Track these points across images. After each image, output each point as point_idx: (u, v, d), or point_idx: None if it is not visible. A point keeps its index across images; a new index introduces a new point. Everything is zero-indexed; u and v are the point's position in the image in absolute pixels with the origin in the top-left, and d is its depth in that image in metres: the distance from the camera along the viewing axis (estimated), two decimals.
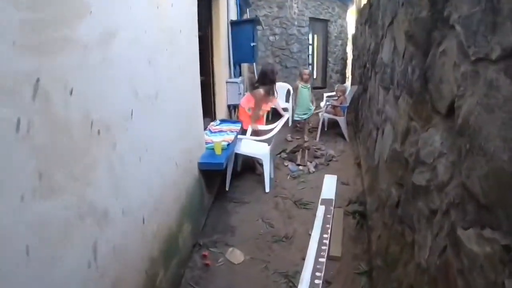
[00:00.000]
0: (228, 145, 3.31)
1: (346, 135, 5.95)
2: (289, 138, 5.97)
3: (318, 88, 8.12)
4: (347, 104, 5.89)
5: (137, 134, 1.79)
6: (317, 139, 5.93)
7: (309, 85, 5.86)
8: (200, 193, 3.06)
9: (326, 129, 6.40)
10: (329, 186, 3.55)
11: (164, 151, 2.21)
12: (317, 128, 6.27)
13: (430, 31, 1.38)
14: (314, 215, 2.70)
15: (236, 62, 4.86)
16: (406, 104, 1.73)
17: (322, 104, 6.96)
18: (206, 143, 3.32)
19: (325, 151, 5.31)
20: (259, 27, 6.22)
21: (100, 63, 1.48)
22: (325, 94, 7.41)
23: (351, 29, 8.82)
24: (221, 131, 3.82)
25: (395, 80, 2.13)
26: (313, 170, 4.58)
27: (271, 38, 7.28)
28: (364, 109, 4.73)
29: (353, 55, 7.83)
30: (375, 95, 3.31)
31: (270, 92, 4.29)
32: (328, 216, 2.79)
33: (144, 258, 1.96)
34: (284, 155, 5.09)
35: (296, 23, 7.40)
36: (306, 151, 5.07)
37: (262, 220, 3.33)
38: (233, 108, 4.71)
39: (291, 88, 7.07)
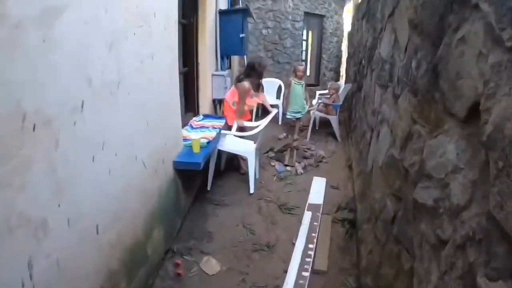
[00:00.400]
0: (208, 142, 3.04)
1: (338, 135, 5.72)
2: (280, 137, 5.72)
3: (311, 86, 7.88)
4: (340, 103, 5.65)
5: (90, 129, 1.51)
6: (308, 138, 5.68)
7: (303, 82, 5.56)
8: (175, 195, 2.79)
9: (317, 128, 6.16)
10: (317, 189, 3.35)
11: (128, 149, 1.92)
12: (307, 126, 6.03)
13: (443, 15, 1.13)
14: (300, 222, 2.46)
15: (224, 54, 4.56)
16: (408, 104, 1.48)
17: (314, 102, 6.72)
18: (186, 139, 3.04)
19: (315, 151, 5.07)
20: (250, 19, 5.93)
21: (40, 45, 1.21)
22: (318, 92, 7.16)
23: (347, 27, 8.58)
24: (203, 127, 3.54)
25: (394, 77, 1.88)
26: (301, 171, 4.33)
27: (263, 31, 7.00)
28: (358, 109, 4.49)
29: (348, 53, 7.59)
30: (370, 94, 3.07)
31: (256, 86, 4.02)
32: (315, 223, 2.55)
33: (100, 271, 1.70)
34: (271, 154, 4.83)
35: (290, 17, 7.13)
36: (295, 151, 4.82)
37: (243, 225, 3.07)
38: (218, 103, 4.42)
39: (282, 84, 6.82)
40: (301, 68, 5.53)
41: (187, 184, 3.08)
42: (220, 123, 3.71)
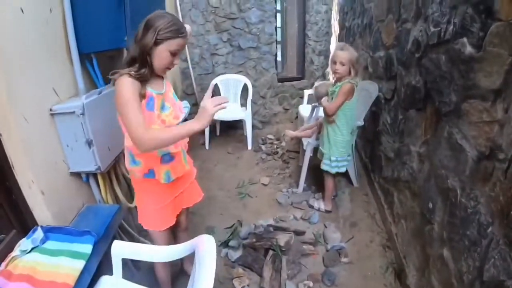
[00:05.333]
0: None
1: (354, 177, 3.20)
2: (255, 180, 3.28)
3: (291, 80, 5.28)
4: (362, 123, 2.95)
5: None
6: (300, 188, 3.18)
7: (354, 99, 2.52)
8: None
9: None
10: None
11: None
12: (294, 152, 3.64)
13: None
14: None
15: (90, 50, 1.76)
16: None
17: (302, 111, 4.12)
18: None
19: (315, 226, 2.59)
20: None
21: None
22: (307, 92, 4.58)
23: None
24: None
25: None
26: None
27: (212, 0, 4.32)
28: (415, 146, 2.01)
29: (347, 28, 5.01)
30: None
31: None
32: None
33: None
34: (232, 250, 2.28)
35: None
36: (283, 257, 2.19)
37: None
38: (91, 177, 1.73)
39: (249, 83, 4.24)
40: (343, 55, 2.33)
41: None
42: (80, 261, 1.15)
